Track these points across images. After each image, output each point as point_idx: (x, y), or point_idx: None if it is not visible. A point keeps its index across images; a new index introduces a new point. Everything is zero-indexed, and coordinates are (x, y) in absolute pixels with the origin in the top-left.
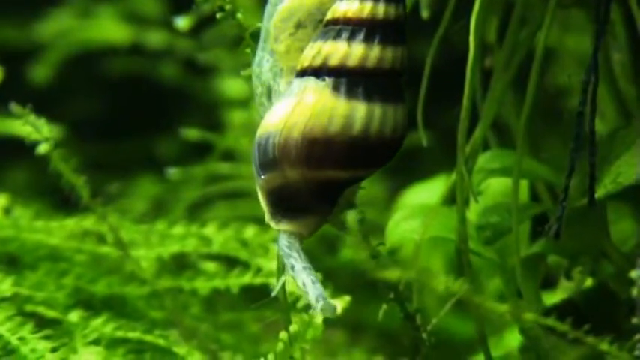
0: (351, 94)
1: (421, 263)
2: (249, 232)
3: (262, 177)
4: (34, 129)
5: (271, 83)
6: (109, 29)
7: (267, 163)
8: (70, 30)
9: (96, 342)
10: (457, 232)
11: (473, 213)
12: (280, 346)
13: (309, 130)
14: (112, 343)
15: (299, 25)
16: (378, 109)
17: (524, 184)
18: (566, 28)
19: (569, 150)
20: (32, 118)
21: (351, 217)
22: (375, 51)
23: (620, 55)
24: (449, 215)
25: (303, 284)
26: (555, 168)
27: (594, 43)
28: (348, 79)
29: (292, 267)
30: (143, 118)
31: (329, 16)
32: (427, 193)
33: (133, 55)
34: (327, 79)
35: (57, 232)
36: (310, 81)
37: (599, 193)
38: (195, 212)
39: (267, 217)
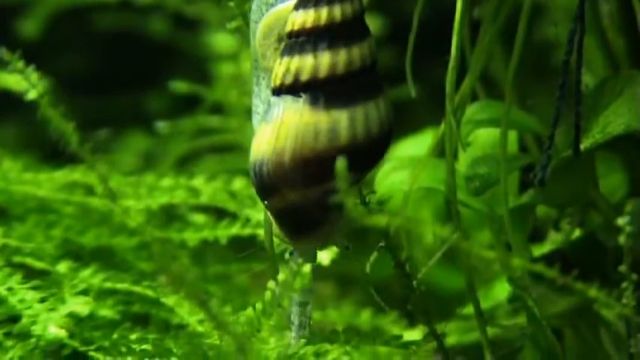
0: (329, 105)
1: (410, 214)
2: (238, 183)
3: (265, 202)
4: (22, 76)
5: (271, 99)
6: None
7: (266, 189)
8: None
9: (84, 293)
10: (446, 183)
11: (461, 164)
12: (268, 295)
13: (298, 152)
14: (101, 294)
15: (281, 39)
16: (359, 112)
17: (513, 135)
18: None
19: (555, 99)
20: (20, 64)
21: (341, 164)
22: (342, 55)
23: (609, 6)
24: (438, 166)
25: (292, 321)
26: (543, 120)
27: None
28: (323, 90)
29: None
30: (132, 73)
31: (288, 27)
32: (416, 146)
33: (121, 10)
34: (303, 95)
35: (45, 184)
36: (288, 100)
37: (587, 142)
38: (184, 165)
39: (282, 237)
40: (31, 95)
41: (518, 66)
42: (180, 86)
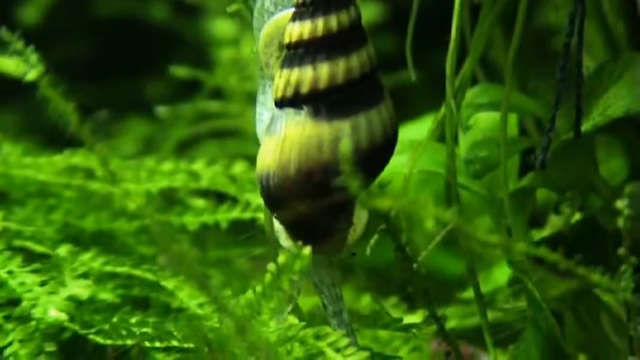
0: (331, 115)
1: (411, 197)
2: (238, 168)
3: (274, 214)
4: (21, 57)
5: (274, 111)
6: None
7: (274, 202)
8: None
9: (84, 276)
10: (446, 166)
11: (462, 147)
12: (268, 277)
13: (303, 164)
14: (101, 278)
15: (282, 48)
16: (362, 120)
17: (513, 119)
18: None
19: (556, 81)
20: (20, 45)
21: (345, 145)
22: (341, 65)
23: None
24: (438, 150)
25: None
26: (544, 103)
27: None
28: (324, 101)
29: (325, 306)
30: (133, 59)
31: (286, 39)
32: (417, 130)
33: None
34: (304, 107)
35: (45, 168)
36: (290, 113)
37: (588, 125)
38: (184, 150)
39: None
40: (31, 76)
41: (518, 49)
42: (180, 71)
